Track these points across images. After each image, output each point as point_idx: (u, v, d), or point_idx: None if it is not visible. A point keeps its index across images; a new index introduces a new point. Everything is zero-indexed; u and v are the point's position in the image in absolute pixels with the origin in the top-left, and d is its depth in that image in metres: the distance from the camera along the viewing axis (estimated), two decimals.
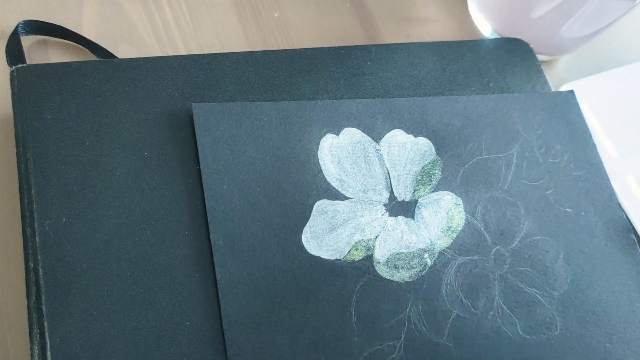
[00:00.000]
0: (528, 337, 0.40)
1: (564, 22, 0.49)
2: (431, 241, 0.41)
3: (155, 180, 0.39)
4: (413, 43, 0.49)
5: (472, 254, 0.41)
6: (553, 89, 0.49)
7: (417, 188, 0.43)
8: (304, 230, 0.40)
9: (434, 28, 0.54)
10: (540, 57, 0.52)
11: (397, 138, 0.44)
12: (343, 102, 0.44)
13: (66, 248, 0.36)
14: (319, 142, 0.42)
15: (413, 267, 0.40)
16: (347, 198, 0.41)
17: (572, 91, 0.48)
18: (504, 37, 0.52)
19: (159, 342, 0.35)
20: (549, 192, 0.44)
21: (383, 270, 0.40)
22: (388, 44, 0.49)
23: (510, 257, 0.42)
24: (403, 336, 0.38)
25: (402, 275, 0.40)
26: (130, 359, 0.34)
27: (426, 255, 0.41)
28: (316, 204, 0.41)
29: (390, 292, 0.39)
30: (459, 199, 0.43)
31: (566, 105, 0.48)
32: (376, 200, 0.42)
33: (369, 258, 0.40)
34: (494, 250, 0.42)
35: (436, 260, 0.41)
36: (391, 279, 0.40)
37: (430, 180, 0.43)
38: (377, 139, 0.43)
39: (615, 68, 0.54)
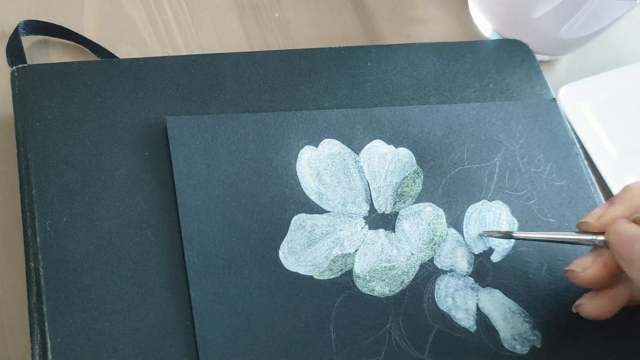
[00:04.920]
0: (511, 351, 0.39)
1: (564, 22, 0.49)
2: (412, 254, 0.40)
3: (155, 180, 0.39)
4: (413, 44, 0.49)
5: (454, 267, 0.41)
6: (553, 90, 0.49)
7: (397, 200, 0.42)
8: (282, 245, 0.39)
9: (434, 28, 0.54)
10: (540, 57, 0.52)
11: (377, 149, 0.43)
12: (322, 113, 0.43)
13: (67, 248, 0.37)
14: (297, 154, 0.42)
15: (394, 282, 0.39)
16: (326, 211, 0.40)
17: (554, 99, 0.48)
18: (504, 39, 0.52)
19: (159, 342, 0.35)
20: (532, 202, 0.44)
21: (363, 285, 0.39)
22: (388, 45, 0.49)
23: (493, 269, 0.41)
24: (383, 353, 0.37)
25: (383, 290, 0.39)
26: (131, 359, 0.34)
27: (407, 268, 0.40)
28: (294, 218, 0.40)
29: (370, 307, 0.38)
30: (441, 210, 0.42)
31: (548, 113, 0.47)
32: (356, 213, 0.41)
33: (349, 273, 0.39)
34: (477, 262, 0.41)
35: (417, 274, 0.40)
36: (371, 294, 0.39)
37: (411, 191, 0.42)
38: (357, 150, 0.43)
39: (615, 68, 0.54)
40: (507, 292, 0.40)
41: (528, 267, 0.41)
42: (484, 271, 0.41)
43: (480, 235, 0.42)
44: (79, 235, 0.37)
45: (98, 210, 0.38)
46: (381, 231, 0.41)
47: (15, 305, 0.38)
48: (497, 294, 0.40)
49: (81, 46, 0.47)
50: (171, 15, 0.50)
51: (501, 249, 0.42)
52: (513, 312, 0.40)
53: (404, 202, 0.42)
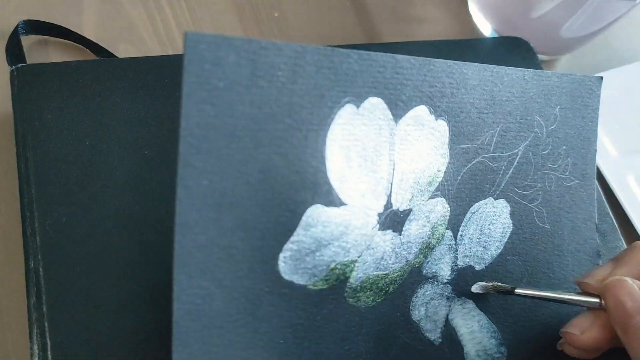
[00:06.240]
0: None
1: (564, 21, 0.49)
2: (407, 261, 0.37)
3: (155, 180, 0.39)
4: (413, 42, 0.49)
5: (437, 273, 0.38)
6: None
7: (415, 193, 0.36)
8: (285, 248, 0.31)
9: (434, 27, 0.54)
10: (540, 56, 0.52)
11: (418, 119, 0.34)
12: (380, 56, 0.33)
13: (66, 248, 0.36)
14: (334, 115, 0.31)
15: (380, 291, 0.36)
16: (343, 204, 0.32)
17: (601, 77, 0.43)
18: (505, 36, 0.52)
19: (158, 342, 0.35)
20: (533, 204, 0.41)
21: (350, 295, 0.35)
22: (388, 43, 0.49)
23: (474, 278, 0.39)
24: None
25: (367, 300, 0.36)
26: (131, 359, 0.34)
27: (397, 276, 0.37)
28: (306, 212, 0.31)
29: (348, 318, 0.35)
30: (449, 208, 0.38)
31: (589, 96, 0.42)
32: (372, 209, 0.34)
33: (343, 282, 0.34)
34: (458, 269, 0.39)
35: (404, 282, 0.37)
36: (355, 304, 0.35)
37: (432, 183, 0.37)
38: (397, 116, 0.33)
39: (615, 68, 0.54)
40: (481, 304, 0.38)
41: (508, 278, 0.39)
42: (464, 280, 0.39)
43: (477, 289, 0.38)
44: (78, 235, 0.37)
45: (98, 210, 0.38)
46: (389, 234, 0.35)
47: (15, 304, 0.38)
48: (469, 305, 0.38)
49: (80, 46, 0.47)
50: (170, 15, 0.50)
51: (488, 256, 0.40)
52: (482, 326, 0.38)
53: (422, 195, 0.36)
